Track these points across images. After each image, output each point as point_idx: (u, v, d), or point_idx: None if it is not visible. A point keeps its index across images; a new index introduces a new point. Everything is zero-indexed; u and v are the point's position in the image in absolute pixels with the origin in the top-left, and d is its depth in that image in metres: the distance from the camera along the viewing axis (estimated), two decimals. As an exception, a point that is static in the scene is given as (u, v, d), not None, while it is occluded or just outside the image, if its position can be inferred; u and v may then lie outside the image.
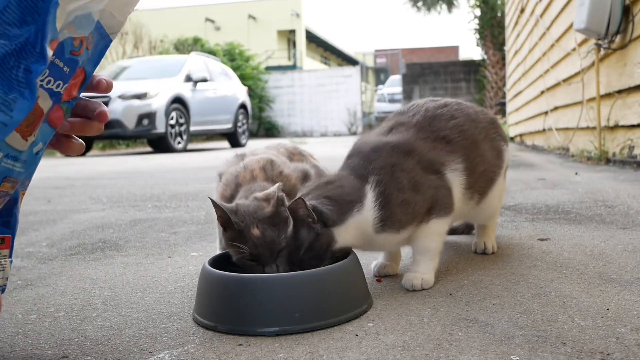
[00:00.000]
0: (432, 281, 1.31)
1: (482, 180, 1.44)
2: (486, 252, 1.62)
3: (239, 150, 1.69)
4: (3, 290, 0.96)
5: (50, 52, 0.79)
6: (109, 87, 1.00)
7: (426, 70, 18.51)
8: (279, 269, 1.22)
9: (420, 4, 20.48)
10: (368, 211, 1.23)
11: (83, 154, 9.79)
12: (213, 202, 1.23)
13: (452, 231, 1.84)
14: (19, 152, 0.83)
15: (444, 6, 20.90)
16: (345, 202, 1.22)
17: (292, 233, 1.18)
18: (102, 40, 0.92)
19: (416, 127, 1.39)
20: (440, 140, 1.38)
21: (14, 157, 0.83)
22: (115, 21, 0.92)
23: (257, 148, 1.72)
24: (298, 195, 1.22)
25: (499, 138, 1.52)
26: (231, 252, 1.25)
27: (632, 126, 3.73)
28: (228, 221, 1.22)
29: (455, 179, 1.36)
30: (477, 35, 15.15)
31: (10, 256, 0.96)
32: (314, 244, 1.17)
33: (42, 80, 0.83)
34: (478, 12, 14.82)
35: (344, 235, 1.20)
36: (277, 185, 1.29)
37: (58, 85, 0.86)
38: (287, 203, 1.26)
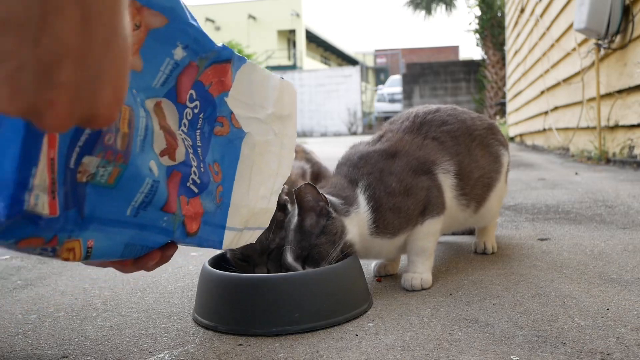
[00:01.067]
0: (430, 280, 1.31)
1: (478, 187, 1.43)
2: (486, 252, 1.62)
3: None
4: None
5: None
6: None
7: (426, 70, 18.52)
8: (269, 271, 1.23)
9: (420, 5, 20.49)
10: (363, 212, 1.24)
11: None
12: None
13: (452, 231, 1.84)
14: (150, 142, 0.79)
15: (443, 8, 20.91)
16: (344, 197, 1.24)
17: (297, 222, 1.17)
18: (216, 230, 0.94)
19: (404, 132, 1.40)
20: (431, 139, 1.38)
21: (146, 129, 0.78)
22: (239, 217, 0.96)
23: None
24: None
25: (497, 143, 1.51)
26: (227, 251, 1.26)
27: (632, 126, 3.73)
28: None
29: (447, 180, 1.35)
30: (477, 35, 15.14)
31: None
32: (329, 227, 1.16)
33: (184, 138, 0.85)
34: (478, 12, 14.82)
35: (351, 228, 1.20)
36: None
37: (192, 160, 0.87)
38: (288, 207, 1.27)
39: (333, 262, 1.16)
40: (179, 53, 0.81)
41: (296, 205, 1.17)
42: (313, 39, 32.83)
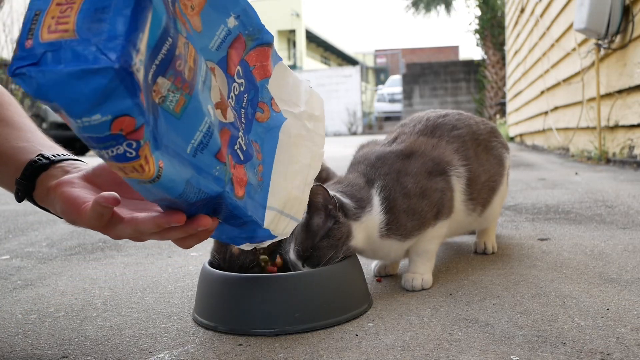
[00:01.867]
0: (431, 281, 1.32)
1: (484, 191, 1.44)
2: (486, 252, 1.62)
3: None
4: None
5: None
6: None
7: (426, 70, 18.52)
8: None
9: (419, 6, 20.50)
10: (375, 214, 1.23)
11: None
12: None
13: None
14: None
15: (442, 8, 20.91)
16: (358, 199, 1.23)
17: (304, 220, 1.17)
18: (258, 208, 0.93)
19: (419, 134, 1.41)
20: (445, 142, 1.39)
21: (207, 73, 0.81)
22: (277, 198, 0.97)
23: None
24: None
25: (500, 146, 1.54)
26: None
27: (632, 126, 3.73)
28: None
29: (458, 185, 1.36)
30: (477, 36, 15.14)
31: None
32: (334, 232, 1.16)
33: (232, 107, 0.87)
34: (478, 12, 14.82)
35: (358, 232, 1.20)
36: None
37: (237, 129, 0.88)
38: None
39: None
40: (231, 22, 0.87)
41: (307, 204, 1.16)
42: (313, 39, 32.82)
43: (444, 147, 1.37)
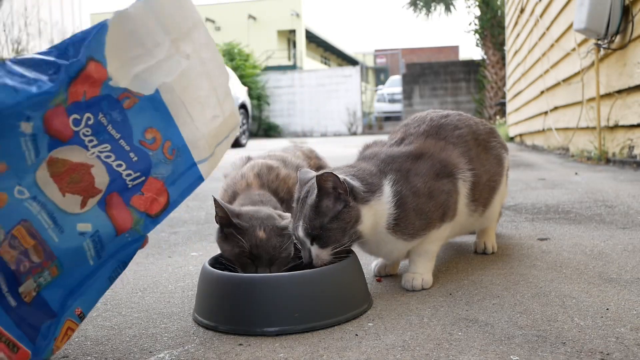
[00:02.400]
0: (431, 281, 1.32)
1: (486, 191, 1.45)
2: (486, 252, 1.62)
3: (245, 153, 1.71)
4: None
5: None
6: None
7: (426, 70, 18.52)
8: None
9: (419, 7, 20.52)
10: (386, 200, 1.23)
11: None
12: (215, 200, 1.25)
13: None
14: (63, 213, 0.85)
15: (442, 8, 20.93)
16: (368, 183, 1.23)
17: (314, 201, 1.17)
18: (189, 172, 0.97)
19: (425, 135, 1.41)
20: (451, 144, 1.40)
21: (51, 214, 0.84)
22: (202, 148, 0.98)
23: (274, 149, 1.74)
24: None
25: (499, 146, 1.55)
26: (226, 246, 1.26)
27: (632, 126, 3.73)
28: (227, 220, 1.25)
29: (463, 189, 1.37)
30: (477, 36, 15.14)
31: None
32: (343, 215, 1.17)
33: (100, 151, 0.86)
34: (478, 12, 14.82)
35: (366, 217, 1.20)
36: None
37: (119, 166, 0.89)
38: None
39: (339, 248, 1.17)
40: (25, 126, 0.81)
41: (316, 187, 1.16)
42: (313, 39, 32.82)
43: (451, 150, 1.38)
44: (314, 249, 1.16)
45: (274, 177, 1.53)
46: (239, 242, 1.23)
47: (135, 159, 0.91)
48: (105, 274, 0.91)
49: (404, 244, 1.28)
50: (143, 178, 0.92)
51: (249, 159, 1.68)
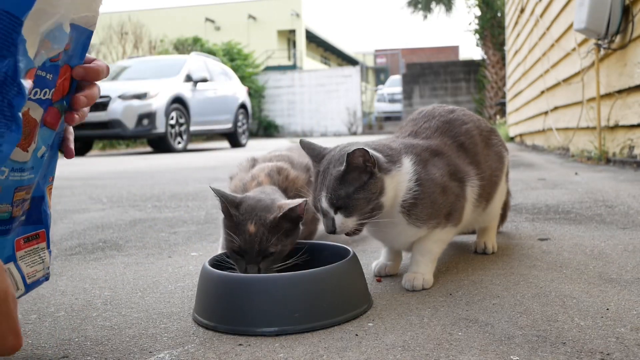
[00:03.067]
0: (432, 281, 1.32)
1: (489, 186, 1.47)
2: (486, 252, 1.62)
3: (248, 153, 1.73)
4: (47, 279, 1.01)
5: (28, 84, 0.80)
6: (102, 73, 0.97)
7: (426, 70, 18.52)
8: (259, 272, 1.24)
9: (419, 7, 20.51)
10: (405, 174, 1.25)
11: (83, 154, 9.81)
12: (214, 190, 1.28)
13: None
14: (23, 163, 0.87)
15: (442, 9, 20.92)
16: (389, 154, 1.25)
17: (340, 172, 1.18)
18: (81, 36, 0.93)
19: (438, 131, 1.43)
20: (460, 147, 1.42)
21: (20, 168, 0.87)
22: (90, 17, 0.92)
23: (278, 148, 1.76)
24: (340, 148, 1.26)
25: (500, 144, 1.57)
26: (227, 240, 1.27)
27: (632, 126, 3.73)
28: (228, 210, 1.27)
29: (471, 193, 1.39)
30: (477, 36, 15.14)
31: (48, 247, 1.00)
32: (370, 185, 1.19)
33: (29, 94, 0.84)
34: (478, 12, 14.82)
35: (389, 187, 1.22)
36: (303, 200, 1.31)
37: (45, 93, 0.88)
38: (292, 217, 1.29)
39: (363, 218, 1.19)
40: None
41: (345, 161, 1.18)
42: (313, 39, 32.81)
43: (463, 157, 1.40)
44: (338, 218, 1.18)
45: (283, 178, 1.56)
46: (230, 237, 1.24)
47: (50, 76, 0.87)
48: None
49: (413, 230, 1.29)
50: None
51: (254, 160, 1.70)
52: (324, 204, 1.20)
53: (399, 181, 1.24)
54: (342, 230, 1.20)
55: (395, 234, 1.32)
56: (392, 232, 1.31)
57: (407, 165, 1.26)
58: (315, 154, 1.29)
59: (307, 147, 1.32)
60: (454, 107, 1.55)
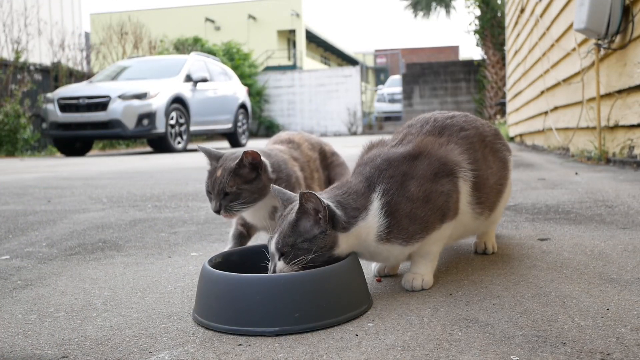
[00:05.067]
0: (431, 282, 1.32)
1: (493, 194, 1.44)
2: (486, 252, 1.62)
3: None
4: None
5: None
6: None
7: (426, 70, 18.52)
8: (221, 207, 1.49)
9: (419, 8, 20.52)
10: (372, 219, 1.22)
11: (83, 154, 9.81)
12: (200, 148, 1.57)
13: None
14: None
15: (442, 11, 20.94)
16: (352, 208, 1.21)
17: (293, 219, 1.17)
18: None
19: (426, 134, 1.39)
20: (454, 144, 1.38)
21: None
22: None
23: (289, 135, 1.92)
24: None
25: (504, 148, 1.54)
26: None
27: (632, 126, 3.73)
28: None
29: (464, 187, 1.35)
30: (477, 36, 15.14)
31: None
32: (318, 240, 1.16)
33: None
34: (478, 12, 14.81)
35: (345, 242, 1.19)
36: (255, 150, 1.53)
37: None
38: (268, 170, 1.54)
39: (303, 264, 1.16)
40: None
41: (298, 205, 1.16)
42: (313, 39, 32.81)
43: (452, 147, 1.36)
44: (279, 264, 1.16)
45: (299, 152, 1.80)
46: (206, 180, 1.54)
47: None
48: None
49: (401, 249, 1.26)
50: None
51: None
52: (272, 247, 1.18)
53: (362, 231, 1.21)
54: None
55: (383, 257, 1.29)
56: (377, 256, 1.28)
57: (375, 207, 1.22)
58: (285, 198, 1.26)
59: (278, 192, 1.28)
60: (456, 113, 1.52)
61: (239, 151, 1.53)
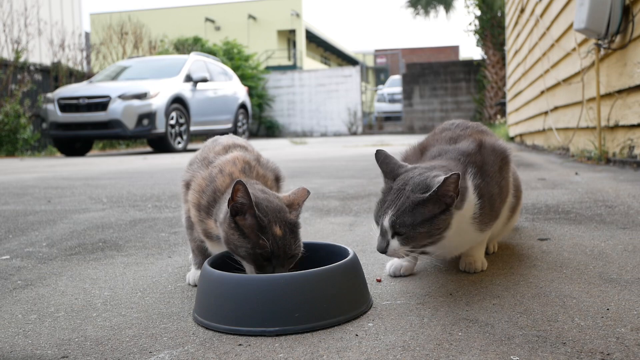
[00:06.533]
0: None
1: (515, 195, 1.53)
2: (487, 252, 1.62)
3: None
4: None
5: None
6: None
7: (426, 70, 18.52)
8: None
9: (419, 7, 20.51)
10: (471, 200, 1.26)
11: (83, 154, 9.81)
12: (240, 182, 1.12)
13: None
14: None
15: (442, 10, 20.93)
16: (462, 187, 1.22)
17: (419, 200, 1.16)
18: None
19: (468, 132, 1.47)
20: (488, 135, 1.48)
21: None
22: None
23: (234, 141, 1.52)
24: (411, 166, 1.25)
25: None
26: (241, 242, 1.15)
27: (632, 126, 3.73)
28: (248, 209, 1.15)
29: (512, 169, 1.47)
30: (477, 36, 15.14)
31: None
32: (439, 220, 1.17)
33: None
34: (478, 12, 14.81)
35: (455, 222, 1.21)
36: (305, 191, 1.25)
37: None
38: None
39: (417, 250, 1.20)
40: None
41: (434, 190, 1.14)
42: (313, 39, 32.80)
43: (495, 137, 1.46)
44: (394, 243, 1.17)
45: (255, 175, 1.36)
46: (260, 241, 1.13)
47: None
48: None
49: (477, 234, 1.32)
50: None
51: (205, 160, 1.42)
52: (386, 223, 1.18)
53: (467, 210, 1.24)
54: (393, 255, 1.19)
55: (456, 244, 1.31)
56: (454, 241, 1.27)
57: (471, 187, 1.26)
58: (389, 169, 1.25)
59: (382, 161, 1.26)
60: (469, 122, 1.56)
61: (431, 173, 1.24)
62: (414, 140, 1.59)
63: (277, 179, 1.43)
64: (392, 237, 1.18)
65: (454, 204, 1.18)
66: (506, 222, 1.51)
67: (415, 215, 1.16)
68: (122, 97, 9.00)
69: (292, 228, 1.18)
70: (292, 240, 1.17)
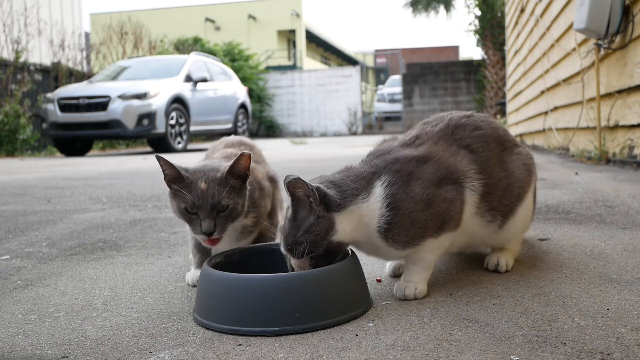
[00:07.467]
0: (425, 291, 1.26)
1: (506, 198, 1.36)
2: (498, 270, 1.44)
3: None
4: None
5: None
6: None
7: (426, 70, 18.52)
8: (216, 227, 1.28)
9: (419, 7, 20.53)
10: (375, 203, 1.18)
11: (83, 154, 9.81)
12: (161, 158, 1.31)
13: None
14: None
15: (442, 10, 20.94)
16: (350, 188, 1.19)
17: (291, 212, 1.17)
18: None
19: (438, 135, 1.35)
20: (463, 148, 1.33)
21: None
22: None
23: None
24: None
25: (526, 155, 1.45)
26: (174, 204, 1.32)
27: (632, 126, 3.73)
28: (177, 176, 1.31)
29: (471, 198, 1.29)
30: (477, 36, 15.13)
31: None
32: (313, 227, 1.14)
33: None
34: (478, 12, 14.81)
35: (344, 224, 1.16)
36: (243, 152, 1.32)
37: None
38: (238, 172, 1.32)
39: (317, 259, 1.15)
40: None
41: (289, 196, 1.15)
42: (313, 39, 32.81)
43: (462, 157, 1.31)
44: (293, 261, 1.17)
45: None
46: (185, 197, 1.28)
47: None
48: None
49: (396, 252, 1.23)
50: None
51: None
52: (282, 249, 1.18)
53: (363, 213, 1.18)
54: (302, 269, 1.16)
55: (382, 253, 1.26)
56: (377, 251, 1.25)
57: (378, 192, 1.19)
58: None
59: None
60: (475, 113, 1.46)
61: (213, 162, 1.38)
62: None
63: (272, 180, 1.58)
64: (292, 257, 1.18)
65: (326, 207, 1.15)
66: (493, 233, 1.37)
67: (295, 229, 1.16)
68: (122, 97, 8.99)
69: (220, 182, 1.29)
70: (218, 192, 1.28)
